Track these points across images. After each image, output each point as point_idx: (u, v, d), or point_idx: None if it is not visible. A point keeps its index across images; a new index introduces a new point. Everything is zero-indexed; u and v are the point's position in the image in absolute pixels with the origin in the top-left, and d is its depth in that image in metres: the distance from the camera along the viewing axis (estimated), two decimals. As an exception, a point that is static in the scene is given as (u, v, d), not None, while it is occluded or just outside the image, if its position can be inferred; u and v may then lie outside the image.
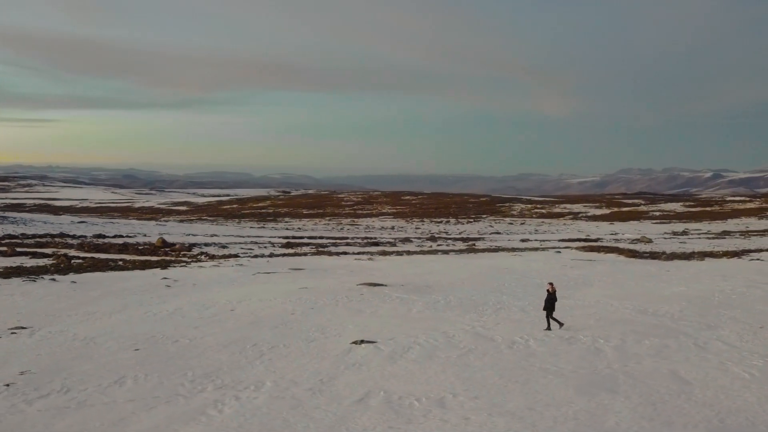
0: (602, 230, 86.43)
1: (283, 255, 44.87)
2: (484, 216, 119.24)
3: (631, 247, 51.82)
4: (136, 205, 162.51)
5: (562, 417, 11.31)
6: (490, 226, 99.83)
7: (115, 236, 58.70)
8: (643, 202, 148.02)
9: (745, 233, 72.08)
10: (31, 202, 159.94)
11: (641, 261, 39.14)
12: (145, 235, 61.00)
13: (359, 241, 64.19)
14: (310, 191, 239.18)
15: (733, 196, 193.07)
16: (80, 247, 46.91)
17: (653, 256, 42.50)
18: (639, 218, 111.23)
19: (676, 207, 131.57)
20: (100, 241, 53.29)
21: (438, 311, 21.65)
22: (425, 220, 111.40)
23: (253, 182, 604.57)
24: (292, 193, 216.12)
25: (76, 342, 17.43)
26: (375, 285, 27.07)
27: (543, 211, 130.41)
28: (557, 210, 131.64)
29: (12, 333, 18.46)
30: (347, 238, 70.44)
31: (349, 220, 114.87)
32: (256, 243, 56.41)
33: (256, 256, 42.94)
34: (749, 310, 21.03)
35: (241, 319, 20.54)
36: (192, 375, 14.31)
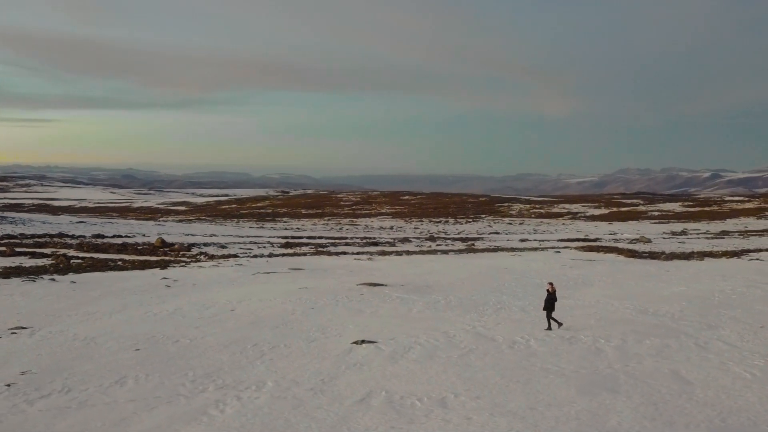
0: (601, 230, 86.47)
1: (283, 255, 44.84)
2: (483, 216, 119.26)
3: (631, 247, 51.84)
4: (135, 205, 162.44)
5: (564, 417, 11.31)
6: (489, 226, 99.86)
7: (114, 236, 58.65)
8: (641, 202, 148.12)
9: (744, 233, 72.13)
10: (30, 202, 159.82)
11: (641, 261, 39.15)
12: (144, 235, 60.96)
13: (358, 241, 64.18)
14: (308, 191, 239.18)
15: (732, 196, 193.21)
16: (79, 247, 46.85)
17: (652, 256, 42.51)
18: (638, 218, 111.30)
19: (675, 207, 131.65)
20: (99, 241, 53.25)
21: (438, 311, 21.66)
22: (424, 220, 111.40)
23: (252, 182, 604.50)
24: (290, 193, 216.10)
25: (77, 342, 17.41)
26: (375, 285, 27.06)
27: (542, 211, 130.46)
28: (556, 210, 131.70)
29: (12, 333, 18.43)
30: (346, 238, 70.43)
31: (347, 220, 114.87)
32: (255, 243, 56.38)
33: (255, 256, 42.91)
34: (749, 309, 21.04)
35: (242, 319, 20.53)
36: (193, 375, 14.30)
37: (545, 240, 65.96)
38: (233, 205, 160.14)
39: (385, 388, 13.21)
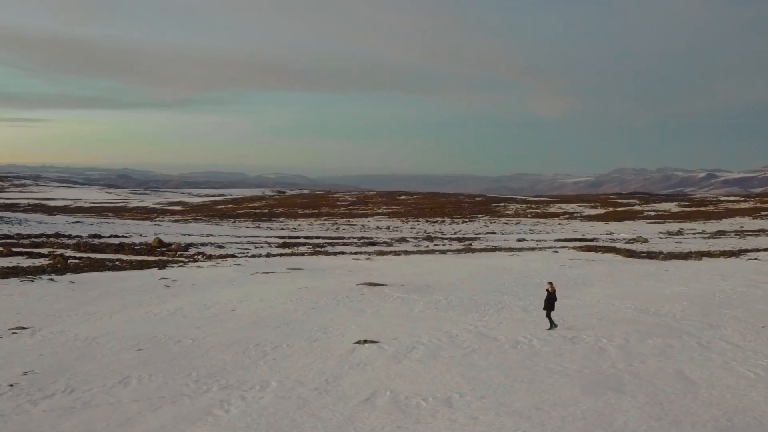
0: (597, 230, 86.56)
1: (281, 255, 44.79)
2: (480, 216, 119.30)
3: (628, 246, 51.92)
4: (131, 205, 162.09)
5: (570, 417, 11.30)
6: (486, 226, 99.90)
7: (110, 236, 58.52)
8: (637, 202, 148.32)
9: (740, 233, 72.26)
10: (25, 202, 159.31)
11: (639, 261, 39.21)
12: (140, 235, 60.84)
13: (356, 240, 64.16)
14: (305, 191, 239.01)
15: (728, 196, 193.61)
16: (76, 247, 46.72)
17: (651, 255, 42.57)
18: (634, 218, 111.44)
19: (671, 207, 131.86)
20: (96, 241, 53.11)
21: (440, 311, 21.65)
22: (420, 220, 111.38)
23: (248, 182, 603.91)
24: (287, 193, 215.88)
25: (78, 342, 17.35)
26: (375, 285, 27.04)
27: (538, 210, 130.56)
28: (552, 210, 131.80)
29: (13, 333, 18.36)
30: (343, 238, 70.40)
31: (344, 220, 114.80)
32: (252, 243, 56.31)
33: (253, 256, 42.84)
34: (750, 309, 21.08)
35: (243, 319, 20.49)
36: (196, 375, 14.26)
37: (542, 240, 66.02)
38: (229, 205, 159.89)
39: (390, 387, 13.19)
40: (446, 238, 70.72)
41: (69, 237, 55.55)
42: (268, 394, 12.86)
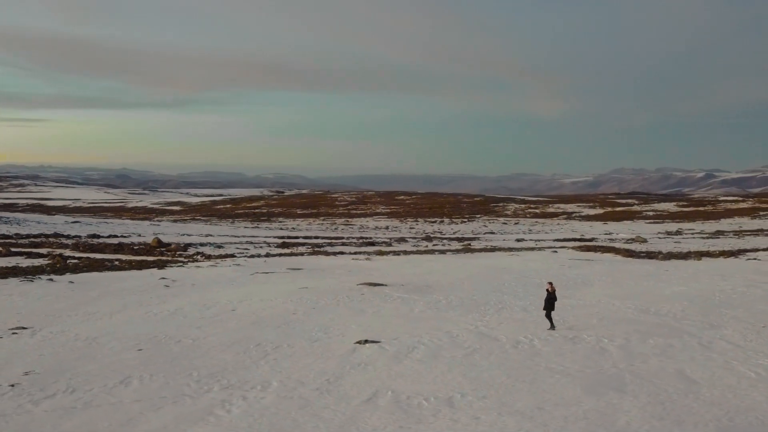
0: (596, 230, 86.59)
1: (280, 255, 44.80)
2: (478, 216, 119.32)
3: (627, 246, 51.95)
4: (130, 205, 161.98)
5: (572, 416, 11.30)
6: (484, 225, 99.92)
7: (109, 236, 58.50)
8: (636, 202, 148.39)
9: (739, 233, 72.31)
10: (24, 202, 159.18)
11: (638, 261, 39.23)
12: (139, 235, 60.82)
13: (355, 240, 64.15)
14: (303, 191, 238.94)
15: (726, 196, 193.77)
16: (75, 247, 46.69)
17: (650, 255, 42.60)
18: (632, 218, 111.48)
19: (670, 207, 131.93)
20: (95, 241, 53.08)
21: (440, 311, 21.64)
22: (419, 219, 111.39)
23: (247, 182, 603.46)
24: (285, 193, 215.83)
25: (79, 342, 17.34)
26: (375, 285, 27.03)
27: (537, 210, 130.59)
28: (551, 210, 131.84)
29: (13, 333, 18.34)
30: (342, 238, 70.40)
31: (343, 220, 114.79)
32: (251, 243, 56.30)
33: (252, 256, 42.84)
34: (751, 309, 21.09)
35: (243, 319, 20.48)
36: (197, 375, 14.24)
37: (541, 240, 66.06)
38: (228, 205, 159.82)
39: (391, 387, 13.18)
40: (445, 238, 70.74)
41: (68, 237, 55.52)
42: (270, 394, 12.85)
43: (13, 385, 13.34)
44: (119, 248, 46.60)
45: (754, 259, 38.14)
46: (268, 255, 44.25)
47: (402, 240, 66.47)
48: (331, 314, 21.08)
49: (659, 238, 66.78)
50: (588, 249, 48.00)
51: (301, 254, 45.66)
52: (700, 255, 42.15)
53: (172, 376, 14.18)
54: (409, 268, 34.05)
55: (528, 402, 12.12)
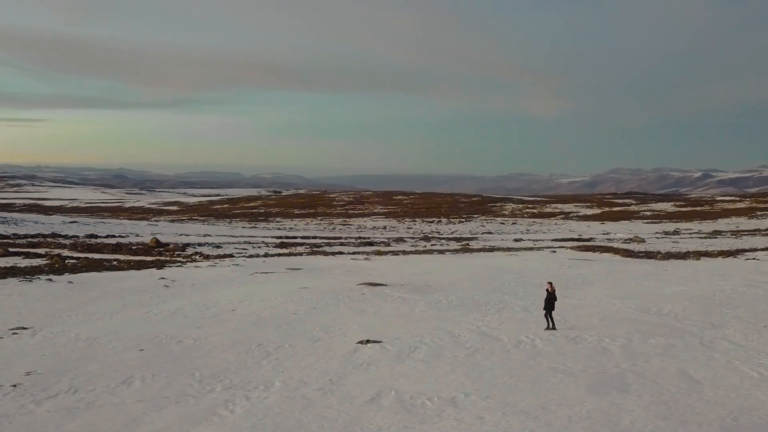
0: (594, 230, 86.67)
1: (279, 255, 44.76)
2: (476, 216, 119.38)
3: (626, 246, 51.99)
4: (127, 205, 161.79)
5: (576, 416, 11.29)
6: (482, 225, 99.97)
7: (107, 236, 58.41)
8: (633, 202, 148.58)
9: (736, 233, 72.44)
10: (21, 202, 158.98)
11: (638, 260, 39.26)
12: (137, 235, 60.73)
13: (353, 240, 64.13)
14: (301, 191, 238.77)
15: (723, 195, 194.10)
16: (73, 247, 46.61)
17: (649, 255, 42.63)
18: (630, 218, 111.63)
19: (667, 207, 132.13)
20: (93, 241, 53.00)
21: (441, 311, 21.63)
22: (417, 219, 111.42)
23: (244, 182, 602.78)
24: (283, 193, 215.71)
25: (80, 342, 17.30)
26: (375, 285, 27.01)
27: (534, 210, 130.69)
28: (548, 210, 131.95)
29: (14, 333, 18.30)
30: (340, 237, 70.37)
31: (340, 220, 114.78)
32: (249, 243, 56.25)
33: (251, 256, 42.79)
34: (751, 309, 21.11)
35: (244, 319, 20.45)
36: (200, 375, 14.22)
37: (539, 240, 66.09)
38: (225, 205, 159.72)
39: (394, 387, 13.16)
40: (443, 238, 70.75)
41: (65, 237, 55.41)
42: (273, 394, 12.82)
43: (15, 386, 13.31)
44: (117, 248, 46.52)
45: (753, 258, 38.19)
46: (266, 255, 44.22)
47: (400, 240, 66.46)
48: (332, 314, 21.06)
49: (657, 238, 66.86)
50: (587, 249, 48.03)
51: (300, 254, 45.62)
52: (698, 255, 42.20)
53: (175, 376, 14.15)
54: (408, 268, 34.03)
55: (531, 402, 12.11)
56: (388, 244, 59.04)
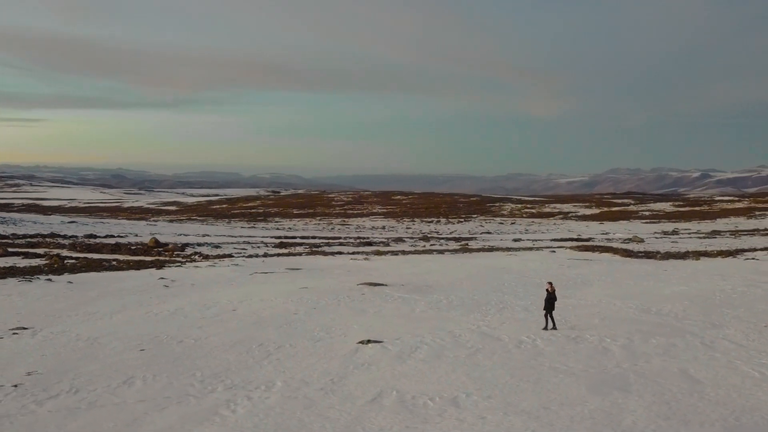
0: (593, 230, 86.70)
1: (278, 255, 44.73)
2: (475, 216, 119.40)
3: (625, 246, 52.02)
4: (125, 205, 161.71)
5: (578, 416, 11.29)
6: (481, 225, 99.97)
7: (106, 236, 58.36)
8: (632, 202, 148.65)
9: (735, 233, 72.49)
10: (19, 202, 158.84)
11: (637, 260, 39.27)
12: (136, 235, 60.69)
13: (352, 240, 64.11)
14: (299, 191, 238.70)
15: (722, 195, 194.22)
16: (72, 247, 46.58)
17: (648, 255, 42.65)
18: (629, 218, 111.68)
19: (666, 207, 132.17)
20: (92, 241, 52.95)
21: (441, 311, 21.63)
22: (416, 219, 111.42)
23: (243, 182, 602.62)
24: (281, 193, 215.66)
25: (80, 342, 17.28)
26: (375, 285, 27.01)
27: (533, 210, 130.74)
28: (547, 210, 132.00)
29: (14, 333, 18.28)
30: (340, 237, 70.35)
31: (339, 220, 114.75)
32: (248, 243, 56.23)
33: (250, 256, 42.77)
34: (752, 309, 21.12)
35: (244, 319, 20.44)
36: (201, 375, 14.21)
37: (538, 240, 66.10)
38: (224, 205, 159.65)
39: (396, 387, 13.15)
40: (442, 238, 70.75)
41: (64, 237, 55.36)
42: (274, 394, 12.81)
43: (16, 386, 13.29)
44: (116, 248, 46.48)
45: (753, 258, 38.22)
46: (266, 255, 44.19)
47: (399, 240, 66.45)
48: (333, 314, 21.05)
49: (656, 237, 66.89)
50: (586, 249, 48.04)
51: (299, 254, 45.60)
52: (698, 255, 42.22)
53: (176, 376, 14.14)
54: (407, 268, 34.02)
55: (533, 402, 12.11)
56: (388, 244, 59.03)
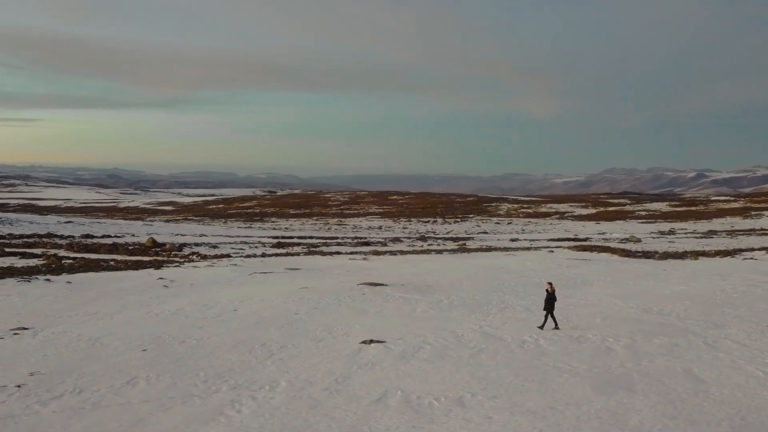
0: (589, 230, 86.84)
1: (276, 255, 44.66)
2: (471, 216, 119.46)
3: (622, 246, 52.09)
4: (122, 205, 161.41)
5: (584, 416, 11.28)
6: (478, 225, 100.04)
7: (103, 236, 58.20)
8: (628, 202, 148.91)
9: (732, 233, 72.66)
10: (15, 202, 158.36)
11: (636, 260, 39.31)
12: (133, 235, 60.55)
13: (350, 240, 64.08)
14: (296, 191, 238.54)
15: (718, 195, 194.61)
16: (69, 247, 46.43)
17: (646, 255, 42.69)
18: (625, 218, 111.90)
19: (662, 206, 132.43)
20: (89, 241, 52.80)
21: (442, 311, 21.60)
22: (412, 219, 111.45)
23: (239, 182, 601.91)
24: (278, 193, 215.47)
25: (82, 342, 17.21)
26: (375, 285, 26.97)
27: (529, 210, 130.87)
28: (543, 210, 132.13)
29: (15, 334, 18.18)
30: (337, 237, 70.31)
31: (336, 219, 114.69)
32: (246, 243, 56.14)
33: (248, 256, 42.68)
34: (753, 308, 21.15)
35: (246, 319, 20.39)
36: (204, 375, 14.16)
37: (535, 240, 66.15)
38: (220, 205, 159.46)
39: (400, 387, 13.13)
40: (439, 238, 70.76)
41: (61, 237, 55.20)
42: (279, 394, 12.78)
43: (19, 386, 13.21)
44: (114, 248, 46.35)
45: (751, 258, 38.29)
46: (264, 255, 44.11)
47: (397, 240, 66.44)
48: (334, 314, 21.01)
49: (653, 237, 67.01)
50: (584, 249, 48.08)
51: (297, 254, 45.52)
52: (696, 255, 42.28)
53: (179, 376, 14.09)
54: (407, 268, 34.00)
55: (539, 401, 12.09)
56: (385, 244, 59.01)
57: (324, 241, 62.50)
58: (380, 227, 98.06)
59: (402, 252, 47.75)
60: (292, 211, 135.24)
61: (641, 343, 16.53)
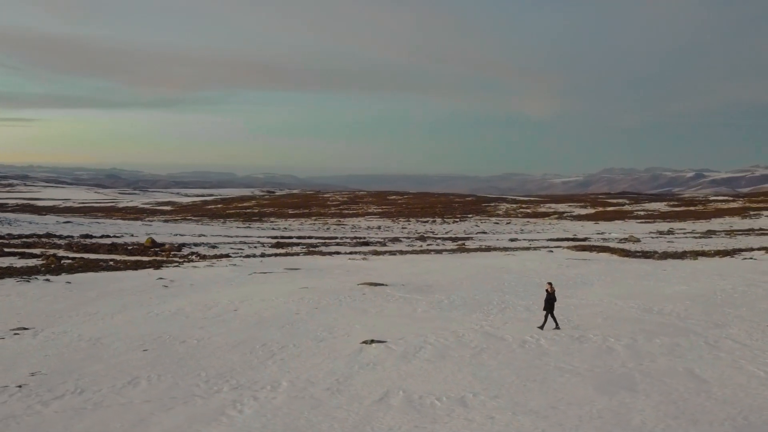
0: (588, 230, 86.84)
1: (275, 255, 44.63)
2: (470, 215, 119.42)
3: (622, 246, 52.08)
4: (120, 205, 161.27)
5: (587, 416, 11.28)
6: (476, 225, 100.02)
7: (102, 236, 58.16)
8: (627, 202, 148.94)
9: (730, 232, 72.68)
10: (14, 202, 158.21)
11: (635, 260, 39.30)
12: (132, 235, 60.51)
13: (349, 240, 64.06)
14: (294, 191, 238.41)
15: (716, 195, 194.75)
16: (68, 247, 46.39)
17: (646, 255, 42.69)
18: (623, 218, 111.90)
19: (660, 206, 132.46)
20: (88, 241, 52.76)
21: (443, 311, 21.60)
22: (411, 219, 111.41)
23: (237, 182, 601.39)
24: (276, 193, 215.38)
25: (82, 342, 17.19)
26: (375, 285, 26.96)
27: (528, 210, 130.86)
28: (542, 210, 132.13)
29: (15, 334, 18.16)
30: (336, 237, 70.28)
31: (335, 219, 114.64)
32: (245, 243, 56.12)
33: (248, 256, 42.66)
34: (753, 308, 21.17)
35: (246, 319, 20.37)
36: (206, 375, 14.15)
37: (534, 239, 66.14)
38: (219, 205, 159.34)
39: (402, 387, 13.13)
40: (438, 238, 70.75)
41: (60, 237, 55.15)
42: (281, 394, 12.77)
43: (20, 386, 13.20)
44: (113, 248, 46.32)
45: (750, 258, 38.30)
46: (263, 255, 44.09)
47: (396, 240, 66.43)
48: (334, 314, 21.01)
49: (652, 237, 67.02)
50: (583, 249, 48.08)
51: (297, 254, 45.50)
52: (695, 254, 42.29)
53: (181, 376, 14.08)
54: (406, 268, 33.99)
55: (541, 401, 12.09)
56: (385, 244, 59.00)
57: (323, 241, 62.48)
58: (379, 227, 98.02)
59: (401, 252, 47.74)
60: (290, 211, 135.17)
61: (642, 343, 16.53)
